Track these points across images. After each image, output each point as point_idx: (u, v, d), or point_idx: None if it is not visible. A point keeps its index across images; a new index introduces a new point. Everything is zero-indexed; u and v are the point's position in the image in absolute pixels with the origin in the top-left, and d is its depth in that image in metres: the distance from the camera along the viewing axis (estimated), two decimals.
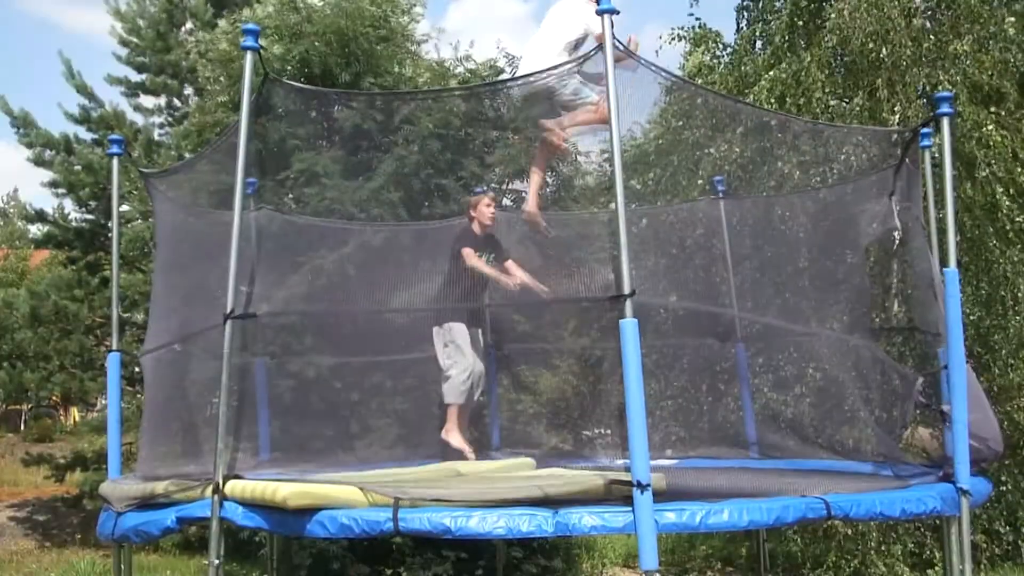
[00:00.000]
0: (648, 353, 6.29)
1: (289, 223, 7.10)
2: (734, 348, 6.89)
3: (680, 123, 10.18)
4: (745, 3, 11.19)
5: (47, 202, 32.37)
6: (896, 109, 8.85)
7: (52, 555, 10.72)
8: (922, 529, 8.82)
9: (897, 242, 7.06)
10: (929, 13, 9.83)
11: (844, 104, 9.54)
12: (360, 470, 5.65)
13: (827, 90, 9.29)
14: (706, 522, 3.74)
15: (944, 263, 4.80)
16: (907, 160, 5.51)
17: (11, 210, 38.72)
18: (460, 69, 9.79)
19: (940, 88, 8.31)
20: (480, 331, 6.40)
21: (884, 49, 8.87)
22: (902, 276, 8.04)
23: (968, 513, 4.53)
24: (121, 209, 8.43)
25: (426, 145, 8.37)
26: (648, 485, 3.56)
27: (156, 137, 12.51)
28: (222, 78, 9.71)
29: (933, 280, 5.23)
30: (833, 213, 6.90)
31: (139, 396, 8.87)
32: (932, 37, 9.38)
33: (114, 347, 5.74)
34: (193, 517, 4.27)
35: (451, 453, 6.03)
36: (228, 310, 4.17)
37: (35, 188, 69.56)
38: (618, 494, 3.76)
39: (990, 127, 8.76)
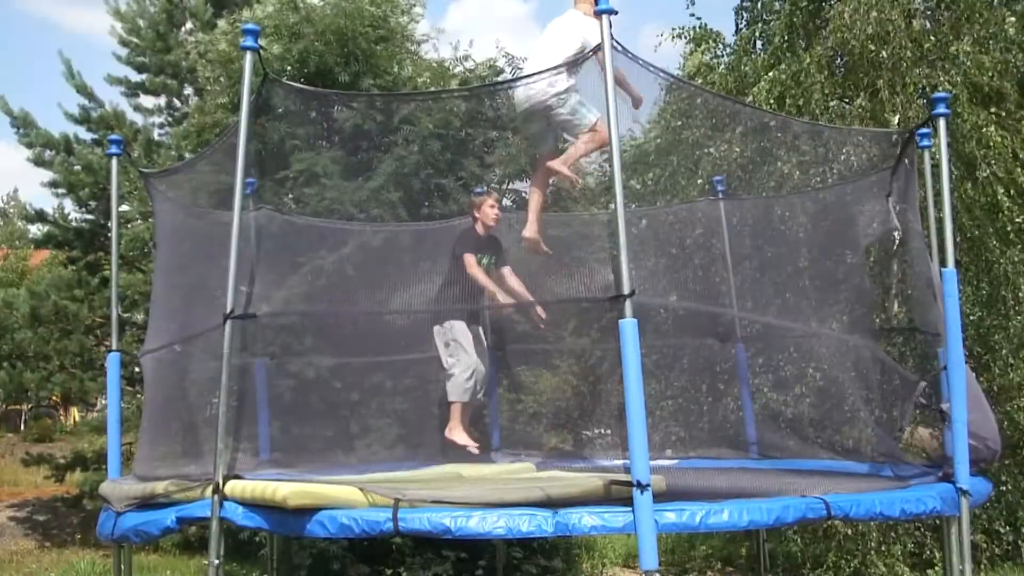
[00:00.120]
0: (648, 353, 6.30)
1: (289, 223, 7.10)
2: (734, 348, 6.89)
3: (679, 123, 10.19)
4: (744, 3, 11.20)
5: (47, 202, 32.44)
6: (897, 109, 8.85)
7: (52, 555, 10.73)
8: (922, 529, 8.83)
9: (897, 243, 7.06)
10: (929, 14, 9.83)
11: (845, 104, 9.55)
12: (360, 471, 5.65)
13: (827, 91, 9.29)
14: (706, 522, 3.74)
15: (943, 263, 4.80)
16: (905, 161, 5.51)
17: (11, 210, 38.72)
18: (459, 69, 9.79)
19: (940, 89, 8.31)
20: (480, 329, 6.40)
21: (884, 51, 8.87)
22: (902, 276, 8.05)
23: (968, 513, 4.54)
24: (121, 209, 8.43)
25: (426, 145, 8.37)
26: (648, 485, 3.56)
27: (156, 137, 12.51)
28: (222, 78, 9.71)
29: (932, 280, 5.24)
30: (833, 213, 6.91)
31: (139, 396, 8.87)
32: (932, 38, 9.38)
33: (114, 347, 5.74)
34: (193, 517, 4.27)
35: (453, 453, 6.03)
36: (228, 310, 4.17)
37: (35, 188, 69.64)
38: (618, 494, 3.76)
39: (990, 128, 8.76)
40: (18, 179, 59.33)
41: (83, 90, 12.34)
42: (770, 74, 9.56)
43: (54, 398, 18.12)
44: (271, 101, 7.28)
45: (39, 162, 12.25)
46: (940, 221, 5.09)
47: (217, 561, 3.98)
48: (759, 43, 10.86)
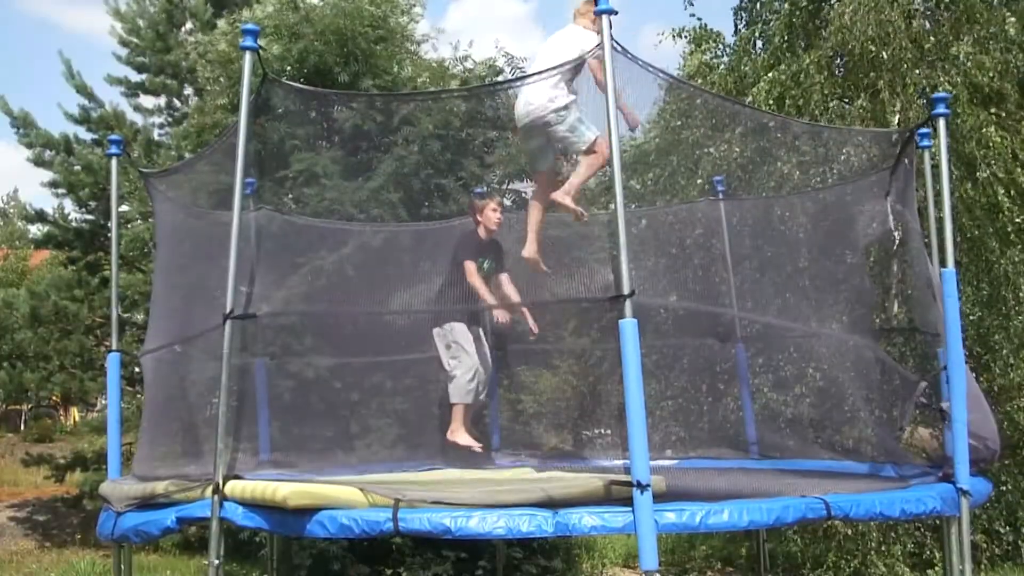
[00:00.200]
0: (648, 353, 6.29)
1: (289, 223, 7.10)
2: (734, 348, 6.89)
3: (679, 123, 10.19)
4: (742, 3, 11.19)
5: (47, 202, 32.43)
6: (897, 110, 8.85)
7: (52, 555, 10.73)
8: (922, 529, 8.83)
9: (897, 243, 7.07)
10: (929, 14, 9.83)
11: (845, 105, 9.56)
12: (360, 472, 5.65)
13: (826, 91, 9.30)
14: (706, 522, 3.74)
15: (943, 263, 4.80)
16: (904, 161, 5.51)
17: (11, 210, 38.70)
18: (459, 68, 9.79)
19: (941, 89, 8.31)
20: (481, 330, 6.40)
21: (885, 52, 8.87)
22: (902, 277, 8.05)
23: (968, 513, 4.53)
24: (121, 209, 8.44)
25: (426, 145, 8.37)
26: (648, 485, 3.56)
27: (156, 137, 12.52)
28: (221, 79, 9.71)
29: (931, 280, 5.24)
30: (833, 213, 6.91)
31: (139, 396, 8.88)
32: (932, 38, 9.39)
33: (114, 347, 5.74)
34: (193, 517, 4.26)
35: (454, 456, 6.02)
36: (228, 310, 4.17)
37: (35, 188, 69.61)
38: (618, 495, 3.76)
39: (990, 128, 8.76)
40: (18, 179, 59.36)
41: (83, 90, 12.34)
42: (770, 75, 9.57)
43: (54, 398, 18.13)
44: (271, 101, 7.29)
45: (39, 162, 12.25)
46: (940, 221, 5.09)
47: (217, 561, 3.98)
48: (759, 43, 10.87)
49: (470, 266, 6.05)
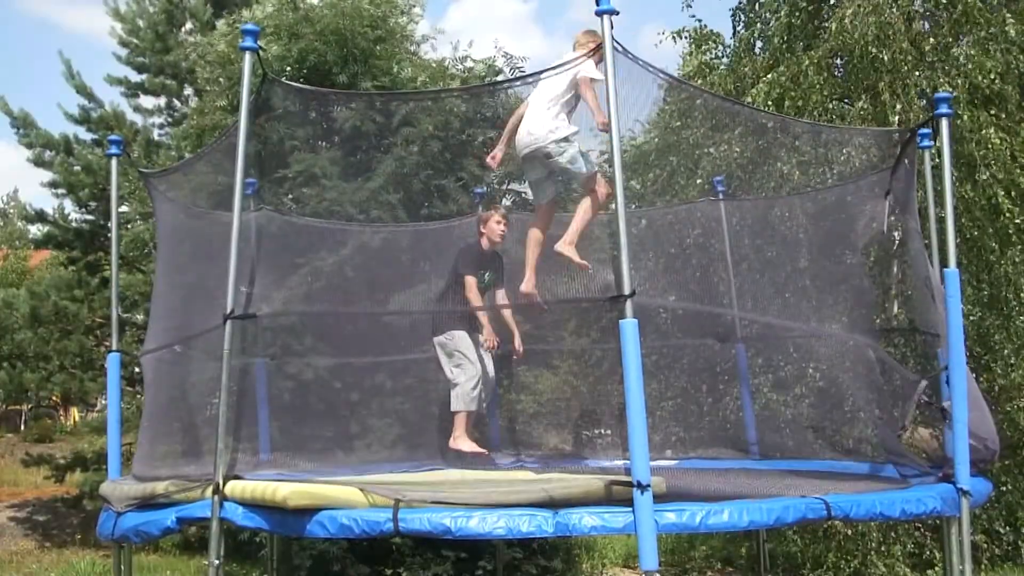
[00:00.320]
0: (648, 354, 6.30)
1: (288, 224, 7.11)
2: (734, 348, 6.89)
3: (679, 124, 10.19)
4: (741, 4, 11.18)
5: (47, 202, 32.33)
6: (898, 110, 8.85)
7: (52, 555, 10.73)
8: (922, 529, 8.83)
9: (897, 243, 7.06)
10: (928, 15, 9.83)
11: (845, 106, 9.56)
12: (360, 472, 5.65)
13: (826, 92, 9.30)
14: (706, 522, 3.74)
15: (944, 263, 4.79)
16: (905, 161, 5.50)
17: (11, 210, 38.70)
18: (459, 68, 9.78)
19: (941, 91, 8.32)
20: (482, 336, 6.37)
21: (885, 54, 8.87)
22: (902, 277, 8.05)
23: (968, 513, 4.53)
24: (121, 210, 8.44)
25: (426, 146, 8.37)
26: (648, 485, 3.56)
27: (156, 138, 12.53)
28: (221, 80, 9.70)
29: (930, 281, 5.23)
30: (833, 214, 6.90)
31: (139, 396, 8.88)
32: (932, 39, 9.39)
33: (114, 347, 5.74)
34: (193, 517, 4.27)
35: (454, 456, 6.02)
36: (228, 311, 4.17)
37: (35, 188, 69.50)
38: (618, 495, 3.76)
39: (990, 130, 8.76)
40: (18, 179, 59.34)
41: (83, 90, 12.35)
42: (769, 76, 9.57)
43: (54, 398, 18.13)
44: (270, 101, 7.29)
45: (39, 162, 12.26)
46: (941, 221, 5.09)
47: (217, 561, 3.98)
48: (758, 44, 10.87)
49: (470, 281, 6.06)
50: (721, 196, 7.21)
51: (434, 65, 9.72)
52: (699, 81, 10.75)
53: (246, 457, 5.23)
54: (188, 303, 5.77)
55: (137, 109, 13.03)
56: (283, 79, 7.49)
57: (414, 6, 10.14)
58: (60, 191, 12.28)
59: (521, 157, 5.81)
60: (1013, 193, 8.95)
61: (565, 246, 5.63)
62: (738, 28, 11.24)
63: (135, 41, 12.66)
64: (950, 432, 4.70)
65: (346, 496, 3.94)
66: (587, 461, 6.46)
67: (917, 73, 9.04)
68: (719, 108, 8.58)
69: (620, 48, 4.07)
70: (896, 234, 6.68)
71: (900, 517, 4.36)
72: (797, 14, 9.98)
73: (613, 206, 3.89)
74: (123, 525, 4.63)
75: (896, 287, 8.26)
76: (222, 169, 5.54)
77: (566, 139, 5.51)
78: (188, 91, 12.70)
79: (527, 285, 5.90)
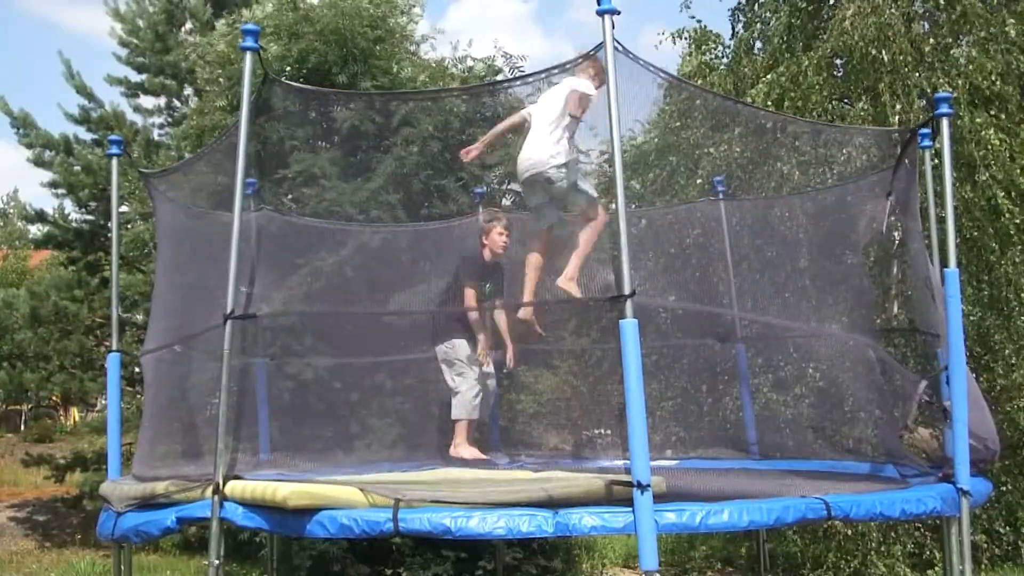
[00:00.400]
0: (648, 353, 6.29)
1: (288, 224, 7.10)
2: (734, 348, 6.89)
3: (678, 124, 10.19)
4: (740, 4, 11.16)
5: (47, 202, 32.33)
6: (898, 111, 8.85)
7: (52, 555, 10.74)
8: (922, 529, 8.83)
9: (897, 243, 7.06)
10: (928, 15, 9.83)
11: (845, 105, 9.55)
12: (360, 472, 5.65)
13: (825, 93, 9.30)
14: (706, 522, 3.73)
15: (944, 263, 4.79)
16: (905, 161, 5.50)
17: (11, 210, 38.69)
18: (459, 68, 9.78)
19: (941, 92, 8.31)
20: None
21: (885, 54, 8.87)
22: (902, 277, 8.05)
23: (968, 513, 4.53)
24: (121, 210, 8.43)
25: (426, 146, 8.37)
26: (648, 485, 3.56)
27: (156, 138, 12.54)
28: (220, 80, 9.71)
29: (930, 281, 5.23)
30: (833, 213, 6.90)
31: (139, 396, 8.88)
32: (932, 40, 9.39)
33: (114, 347, 5.74)
34: (193, 517, 4.26)
35: (455, 463, 6.02)
36: (228, 310, 4.17)
37: (35, 188, 69.56)
38: (618, 495, 3.76)
39: (989, 131, 8.76)
40: (18, 179, 59.32)
41: (83, 90, 12.36)
42: (769, 76, 9.56)
43: (54, 398, 18.14)
44: (270, 101, 7.29)
45: (39, 162, 12.27)
46: (941, 221, 5.09)
47: (217, 561, 3.97)
48: (757, 44, 10.87)
49: (469, 293, 6.04)
50: (721, 196, 7.21)
51: (434, 65, 9.72)
52: (699, 81, 10.75)
53: (246, 457, 5.22)
54: (188, 303, 5.77)
55: (137, 109, 13.06)
56: (283, 79, 7.49)
57: (414, 6, 10.15)
58: (60, 191, 12.29)
59: (521, 181, 5.80)
60: (1013, 194, 8.95)
61: (566, 282, 5.63)
62: (737, 28, 11.23)
63: (135, 41, 12.67)
64: (950, 432, 4.70)
65: (346, 496, 3.94)
66: (587, 461, 6.46)
67: (917, 74, 9.04)
68: (719, 108, 8.58)
69: (621, 48, 4.07)
70: (896, 234, 6.68)
71: (900, 517, 4.36)
72: (797, 14, 9.97)
73: (613, 206, 3.89)
74: (123, 525, 4.63)
75: (896, 287, 8.26)
76: (222, 169, 5.54)
77: (566, 164, 5.50)
78: (188, 91, 12.71)
79: (525, 312, 5.90)
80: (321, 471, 5.49)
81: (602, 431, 7.93)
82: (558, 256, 5.89)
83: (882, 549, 8.65)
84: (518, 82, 6.99)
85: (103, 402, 14.13)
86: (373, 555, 7.92)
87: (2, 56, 66.11)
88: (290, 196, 8.39)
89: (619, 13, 3.99)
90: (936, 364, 5.20)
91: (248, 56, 4.41)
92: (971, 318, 8.67)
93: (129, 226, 11.08)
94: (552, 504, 3.78)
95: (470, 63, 9.78)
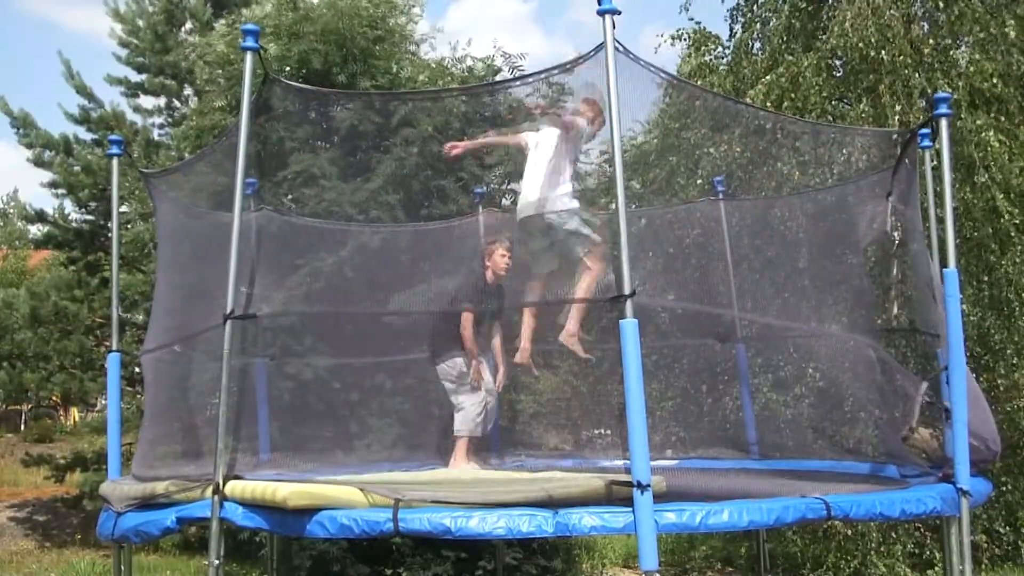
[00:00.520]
0: (648, 354, 6.29)
1: (288, 224, 7.10)
2: (734, 348, 6.89)
3: (678, 125, 10.18)
4: (739, 4, 11.14)
5: (47, 202, 32.32)
6: (897, 111, 8.85)
7: (52, 555, 10.74)
8: (922, 529, 8.83)
9: (897, 243, 7.06)
10: (927, 16, 9.83)
11: (846, 106, 9.55)
12: (360, 472, 5.65)
13: (824, 94, 9.30)
14: (706, 522, 3.74)
15: (944, 264, 4.79)
16: (905, 161, 5.50)
17: (11, 210, 38.68)
18: (458, 68, 9.78)
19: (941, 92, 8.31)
20: (484, 362, 6.34)
21: (885, 56, 8.87)
22: (902, 277, 8.05)
23: (968, 513, 4.53)
24: (121, 210, 8.43)
25: (426, 146, 8.37)
26: (648, 485, 3.56)
27: (156, 138, 12.53)
28: (220, 80, 9.70)
29: (932, 281, 5.23)
30: (833, 214, 6.90)
31: (139, 396, 8.88)
32: (932, 41, 9.38)
33: (114, 347, 5.74)
34: (193, 517, 4.27)
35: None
36: (228, 311, 4.17)
37: (35, 188, 69.56)
38: (618, 495, 3.76)
39: (989, 132, 8.75)
40: (18, 179, 59.27)
41: (83, 90, 12.35)
42: (768, 77, 9.55)
43: (54, 398, 18.11)
44: (271, 101, 7.29)
45: (39, 162, 12.27)
46: (941, 222, 5.09)
47: (217, 561, 3.98)
48: (756, 45, 10.85)
49: (467, 317, 6.02)
50: (721, 196, 7.21)
51: (433, 65, 9.72)
52: (699, 82, 10.74)
53: (246, 457, 5.22)
54: (188, 303, 5.77)
55: (137, 109, 13.05)
56: (282, 79, 7.49)
57: (413, 6, 10.15)
58: (60, 191, 12.29)
59: (519, 220, 5.79)
60: (1011, 195, 8.95)
61: (568, 338, 5.64)
62: (735, 29, 11.22)
63: (135, 41, 12.66)
64: (950, 432, 4.70)
65: (346, 496, 3.94)
66: (587, 461, 6.46)
67: (917, 75, 9.04)
68: (720, 108, 8.58)
69: (621, 48, 4.07)
70: (896, 234, 6.67)
71: (900, 517, 4.36)
72: (797, 15, 9.96)
73: (613, 206, 3.89)
74: (123, 525, 4.63)
75: (896, 287, 8.26)
76: (222, 169, 5.54)
77: (568, 211, 5.51)
78: (188, 91, 12.71)
79: (521, 356, 5.91)
80: (321, 471, 5.50)
81: (602, 431, 7.92)
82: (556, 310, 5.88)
83: (882, 549, 8.65)
84: (518, 82, 6.98)
85: (103, 402, 14.12)
86: (373, 555, 7.92)
87: (2, 56, 66.08)
88: (290, 196, 8.39)
89: (619, 13, 3.99)
90: (936, 364, 5.20)
91: (248, 56, 4.41)
92: (971, 318, 8.67)
93: (129, 226, 11.08)
94: (552, 504, 3.79)
95: (469, 63, 9.78)
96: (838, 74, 9.78)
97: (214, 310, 4.40)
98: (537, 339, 6.59)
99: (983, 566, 8.72)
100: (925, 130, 5.45)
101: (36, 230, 15.41)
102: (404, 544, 7.77)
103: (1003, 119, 9.20)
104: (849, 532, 8.70)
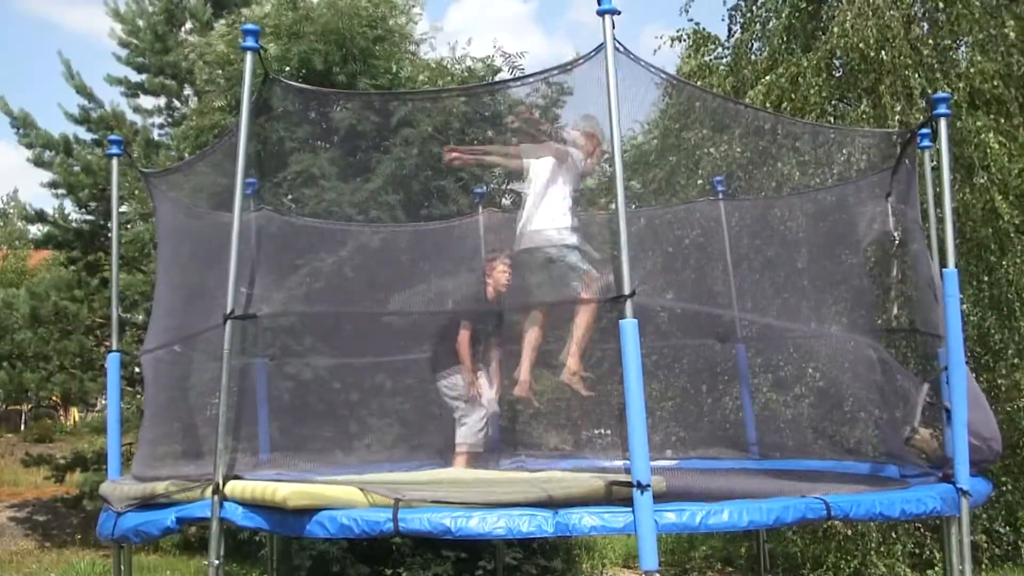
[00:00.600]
0: (648, 354, 6.29)
1: (288, 224, 7.10)
2: (734, 348, 6.89)
3: (678, 125, 10.18)
4: (738, 4, 11.14)
5: (47, 202, 32.29)
6: (897, 111, 8.84)
7: (52, 555, 10.73)
8: (922, 529, 8.83)
9: (897, 243, 7.05)
10: (927, 16, 9.83)
11: (846, 106, 9.54)
12: (360, 472, 5.65)
13: (824, 94, 9.29)
14: (706, 522, 3.74)
15: (944, 264, 4.79)
16: (905, 161, 5.50)
17: (11, 210, 38.68)
18: (458, 68, 9.78)
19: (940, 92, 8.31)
20: (484, 371, 6.34)
21: (885, 56, 8.87)
22: (902, 277, 8.04)
23: (968, 513, 4.53)
24: (121, 210, 8.43)
25: (425, 147, 8.36)
26: (648, 485, 3.56)
27: (156, 138, 12.54)
28: (220, 80, 9.70)
29: (932, 281, 5.23)
30: (833, 214, 6.90)
31: (139, 396, 8.88)
32: (931, 42, 9.38)
33: (114, 347, 5.74)
34: (193, 517, 4.27)
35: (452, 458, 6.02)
36: (228, 311, 4.17)
37: (35, 188, 69.55)
38: (618, 495, 3.76)
39: (988, 134, 8.75)
40: (18, 179, 59.26)
41: (83, 90, 12.35)
42: (768, 77, 9.55)
43: (54, 398, 18.13)
44: (271, 101, 7.29)
45: (39, 162, 12.27)
46: (941, 222, 5.09)
47: (217, 561, 3.98)
48: (755, 45, 10.85)
49: (464, 336, 6.03)
50: (721, 196, 7.21)
51: (433, 65, 9.72)
52: (698, 82, 10.73)
53: (246, 457, 5.22)
54: (188, 303, 5.76)
55: (137, 109, 13.05)
56: (282, 79, 7.49)
57: (413, 6, 10.14)
58: (60, 191, 12.29)
59: (518, 250, 5.79)
60: (1011, 196, 8.95)
61: (570, 376, 5.65)
62: (734, 29, 11.21)
63: (135, 41, 12.67)
64: (950, 432, 4.70)
65: (346, 496, 3.94)
66: (587, 461, 6.46)
67: (917, 75, 9.04)
68: (719, 108, 8.58)
69: (621, 48, 4.07)
70: (896, 234, 6.68)
71: (900, 517, 4.36)
72: (797, 15, 9.96)
73: (613, 206, 3.89)
74: (123, 525, 4.63)
75: (896, 288, 8.26)
76: (222, 169, 5.54)
77: (568, 246, 5.51)
78: (188, 91, 12.71)
79: (520, 388, 5.91)
80: (321, 471, 5.50)
81: (602, 431, 7.92)
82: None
83: (882, 549, 8.65)
84: (518, 82, 6.99)
85: (103, 402, 14.12)
86: (373, 555, 7.92)
87: (2, 56, 66.05)
88: (290, 196, 8.39)
89: (619, 13, 3.99)
90: (936, 364, 5.21)
91: (248, 56, 4.41)
92: (971, 318, 8.67)
93: (129, 226, 11.08)
94: (552, 504, 3.79)
95: (469, 63, 9.78)
96: (838, 74, 9.78)
97: (214, 310, 4.40)
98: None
99: (983, 566, 8.72)
100: (925, 130, 5.45)
101: (36, 230, 15.42)
102: (404, 544, 7.77)
103: (1003, 120, 9.20)
104: (849, 532, 8.70)
